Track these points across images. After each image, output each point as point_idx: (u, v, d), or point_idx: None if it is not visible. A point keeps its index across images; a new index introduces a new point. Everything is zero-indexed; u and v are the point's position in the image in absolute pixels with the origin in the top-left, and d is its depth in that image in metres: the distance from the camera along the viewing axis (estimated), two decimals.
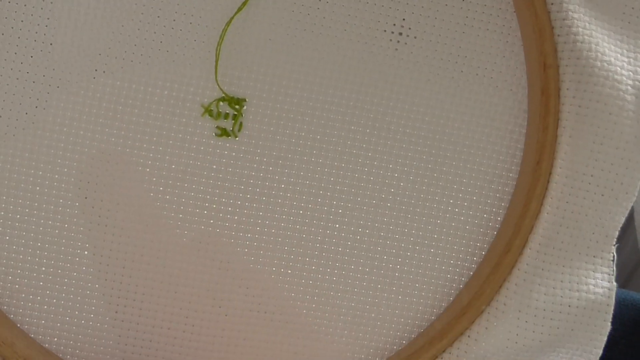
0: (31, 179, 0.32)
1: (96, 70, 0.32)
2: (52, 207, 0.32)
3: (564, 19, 0.32)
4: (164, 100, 0.32)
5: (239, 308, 0.34)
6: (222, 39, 0.32)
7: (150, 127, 0.32)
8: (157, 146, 0.32)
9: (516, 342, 0.32)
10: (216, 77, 0.32)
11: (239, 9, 0.32)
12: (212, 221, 0.33)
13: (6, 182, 0.32)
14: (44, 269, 0.33)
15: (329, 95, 0.33)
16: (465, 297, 0.33)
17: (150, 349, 0.34)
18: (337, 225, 0.34)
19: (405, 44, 0.33)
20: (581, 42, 0.32)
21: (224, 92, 0.32)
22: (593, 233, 0.33)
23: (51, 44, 0.31)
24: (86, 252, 0.33)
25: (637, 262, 0.73)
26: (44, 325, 0.33)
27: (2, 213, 0.32)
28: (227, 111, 0.33)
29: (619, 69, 0.32)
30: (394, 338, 0.35)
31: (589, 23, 0.32)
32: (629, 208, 0.33)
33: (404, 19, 0.33)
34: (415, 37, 0.33)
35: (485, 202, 0.34)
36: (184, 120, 0.32)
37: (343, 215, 0.34)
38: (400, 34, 0.33)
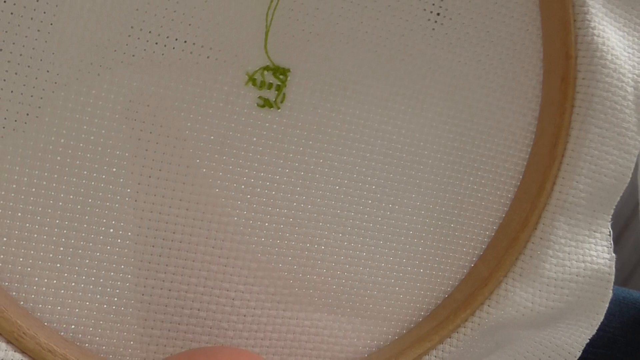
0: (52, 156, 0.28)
1: (132, 27, 0.28)
2: (73, 179, 0.29)
3: (585, 13, 0.35)
4: (206, 64, 0.30)
5: (265, 286, 0.33)
6: (276, 2, 0.30)
7: (189, 94, 0.30)
8: (196, 115, 0.30)
9: (531, 310, 0.35)
10: (265, 44, 0.30)
11: None
12: (248, 196, 0.31)
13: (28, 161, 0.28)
14: (62, 249, 0.29)
15: (371, 70, 0.33)
16: (485, 269, 0.36)
17: (178, 332, 0.31)
18: (369, 202, 0.34)
19: (442, 24, 0.34)
20: (597, 36, 0.35)
21: (270, 61, 0.30)
22: (594, 211, 0.36)
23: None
24: (111, 230, 0.30)
25: (637, 261, 0.78)
26: (59, 312, 0.29)
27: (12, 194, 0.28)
28: (271, 81, 0.31)
29: (623, 62, 0.36)
30: (417, 310, 0.36)
31: (602, 19, 0.35)
32: (624, 189, 0.37)
33: (440, 6, 0.34)
34: (450, 19, 0.34)
35: (500, 181, 0.37)
36: (225, 88, 0.30)
37: (375, 192, 0.34)
38: (438, 14, 0.34)
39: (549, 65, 0.36)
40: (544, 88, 0.36)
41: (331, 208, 0.33)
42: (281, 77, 0.31)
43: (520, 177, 0.37)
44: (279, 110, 0.31)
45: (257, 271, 0.32)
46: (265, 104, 0.31)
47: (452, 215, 0.36)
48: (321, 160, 0.33)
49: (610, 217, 0.37)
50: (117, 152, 0.29)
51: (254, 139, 0.31)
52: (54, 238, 0.29)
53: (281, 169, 0.32)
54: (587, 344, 0.55)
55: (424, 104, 0.34)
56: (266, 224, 0.32)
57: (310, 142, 0.32)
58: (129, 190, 0.30)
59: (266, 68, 0.31)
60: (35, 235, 0.29)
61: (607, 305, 0.36)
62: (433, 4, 0.33)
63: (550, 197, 0.35)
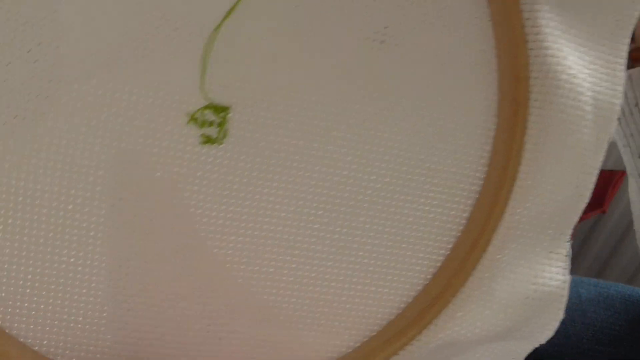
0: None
1: (78, 79, 0.31)
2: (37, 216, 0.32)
3: (537, 34, 0.34)
4: (149, 108, 0.32)
5: (224, 305, 0.35)
6: (210, 48, 0.31)
7: (133, 135, 0.32)
8: (142, 155, 0.32)
9: (477, 330, 0.36)
10: (202, 85, 0.32)
11: (225, 18, 0.31)
12: (197, 226, 0.34)
13: None
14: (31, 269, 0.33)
15: (312, 102, 0.34)
16: (434, 289, 0.37)
17: (139, 346, 0.35)
18: (316, 226, 0.35)
19: (387, 51, 0.34)
20: (551, 57, 0.34)
21: (208, 100, 0.32)
22: (550, 231, 0.36)
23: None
24: (72, 259, 0.33)
25: None
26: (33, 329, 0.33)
27: None
28: (212, 119, 0.33)
29: (581, 81, 0.35)
30: (369, 325, 0.37)
31: (559, 37, 0.34)
32: (583, 208, 0.36)
33: (386, 27, 0.34)
34: (396, 45, 0.34)
35: (453, 201, 0.37)
36: (168, 128, 0.32)
37: (322, 217, 0.35)
38: (382, 42, 0.34)
39: (502, 86, 0.35)
40: (499, 109, 0.36)
41: (279, 233, 0.35)
42: (221, 114, 0.33)
43: (477, 197, 0.37)
44: (223, 146, 0.33)
45: (212, 292, 0.35)
46: (208, 140, 0.33)
47: (402, 236, 0.37)
48: (266, 190, 0.34)
49: (569, 237, 0.37)
50: (73, 192, 0.32)
51: (199, 173, 0.33)
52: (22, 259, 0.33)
53: (227, 199, 0.34)
54: (593, 342, 0.55)
55: (369, 131, 0.35)
56: (218, 250, 0.35)
57: (255, 174, 0.34)
58: (90, 224, 0.33)
59: (206, 107, 0.32)
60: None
61: (557, 324, 0.37)
62: (376, 32, 0.34)
63: (502, 219, 0.36)
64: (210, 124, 0.33)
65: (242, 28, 0.32)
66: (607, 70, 0.35)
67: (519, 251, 0.36)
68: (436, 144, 0.36)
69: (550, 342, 0.55)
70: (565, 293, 0.36)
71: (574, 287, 0.56)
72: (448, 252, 0.37)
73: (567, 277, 0.37)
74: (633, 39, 0.41)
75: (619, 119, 0.42)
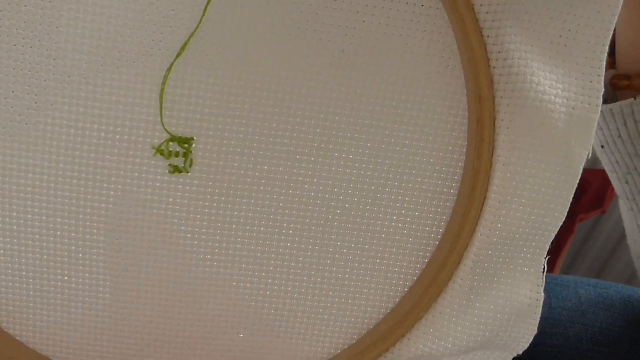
0: None
1: (48, 117, 0.33)
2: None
3: (499, 52, 0.32)
4: (118, 144, 0.34)
5: (206, 315, 0.38)
6: (164, 85, 0.33)
7: (107, 168, 0.35)
8: (116, 185, 0.35)
9: (449, 345, 0.36)
10: (161, 120, 0.34)
11: (178, 54, 0.32)
12: (173, 247, 0.36)
13: None
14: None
15: (272, 128, 0.34)
16: (407, 304, 0.37)
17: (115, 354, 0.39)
18: (288, 244, 0.37)
19: (346, 73, 0.34)
20: (516, 74, 0.32)
21: (170, 134, 0.34)
22: (524, 249, 0.35)
23: None
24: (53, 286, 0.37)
25: None
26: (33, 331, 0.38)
27: None
28: (177, 149, 0.34)
29: (552, 97, 0.33)
30: (344, 336, 0.39)
31: (524, 52, 0.32)
32: (559, 226, 0.35)
33: (342, 50, 0.33)
34: (355, 66, 0.34)
35: (427, 217, 0.37)
36: (137, 160, 0.35)
37: (293, 236, 0.37)
38: (339, 65, 0.34)
39: (470, 106, 0.34)
40: (468, 128, 0.35)
41: (252, 252, 0.37)
42: (185, 145, 0.34)
43: (450, 213, 0.37)
44: (190, 174, 0.35)
45: (190, 308, 0.38)
46: (175, 170, 0.35)
47: (376, 252, 0.37)
48: (236, 212, 0.36)
49: (545, 253, 0.36)
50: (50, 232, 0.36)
51: (170, 199, 0.35)
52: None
53: (199, 222, 0.36)
54: (592, 343, 0.54)
55: (334, 153, 0.35)
56: (196, 268, 0.37)
57: (223, 198, 0.36)
58: (65, 254, 0.36)
59: (170, 139, 0.34)
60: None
61: (531, 339, 0.36)
62: (333, 56, 0.33)
63: (472, 238, 0.35)
64: (176, 154, 0.35)
65: (197, 62, 0.33)
66: (582, 83, 0.33)
67: (491, 269, 0.35)
68: (405, 162, 0.36)
69: (549, 343, 0.55)
70: (539, 310, 0.36)
71: (573, 288, 0.59)
72: (424, 267, 0.38)
73: (541, 295, 0.36)
74: (614, 65, 0.41)
75: (602, 147, 0.42)
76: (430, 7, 0.33)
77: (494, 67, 0.32)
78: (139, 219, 0.36)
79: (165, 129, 0.34)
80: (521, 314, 0.36)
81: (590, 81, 0.33)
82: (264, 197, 0.36)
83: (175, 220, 0.36)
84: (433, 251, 0.37)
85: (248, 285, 0.38)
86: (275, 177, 0.35)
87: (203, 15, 0.32)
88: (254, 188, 0.36)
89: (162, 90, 0.33)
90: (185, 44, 0.33)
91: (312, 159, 0.35)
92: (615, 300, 0.56)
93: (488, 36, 0.32)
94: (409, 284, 0.38)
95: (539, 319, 0.36)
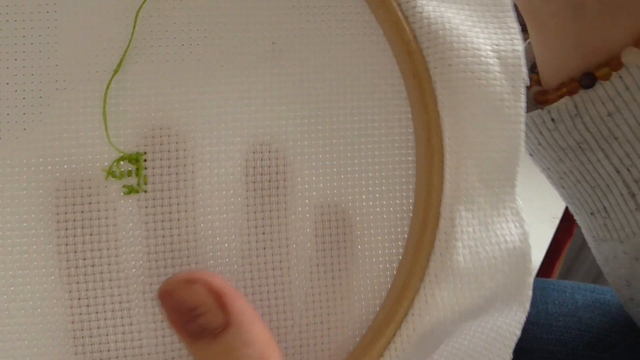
0: None
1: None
2: None
3: (414, 7, 0.35)
4: (66, 172, 0.33)
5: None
6: (105, 103, 0.33)
7: (59, 204, 0.33)
8: (73, 215, 0.33)
9: (457, 305, 0.34)
10: (108, 138, 0.33)
11: (113, 75, 0.33)
12: (141, 277, 0.33)
13: None
14: None
15: (219, 137, 0.34)
16: (400, 281, 0.35)
17: None
18: (265, 250, 0.35)
19: (282, 63, 0.35)
20: (434, 24, 0.35)
21: (119, 151, 0.33)
22: (495, 189, 0.36)
23: None
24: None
25: None
26: None
27: None
28: (130, 168, 0.33)
29: (475, 38, 0.35)
30: (345, 337, 0.36)
31: (437, 5, 0.35)
32: (520, 157, 0.36)
33: (273, 43, 0.35)
34: (289, 55, 0.35)
35: (395, 189, 0.37)
36: (90, 188, 0.33)
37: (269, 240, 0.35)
38: (274, 55, 0.35)
39: (402, 67, 0.36)
40: (406, 89, 0.36)
41: (225, 266, 0.34)
42: (136, 162, 0.33)
43: (415, 180, 0.37)
44: (146, 193, 0.34)
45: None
46: (131, 190, 0.33)
47: (358, 238, 0.36)
48: (202, 225, 0.34)
49: (515, 189, 0.36)
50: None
51: (130, 225, 0.33)
52: None
53: (164, 242, 0.34)
54: (588, 348, 0.54)
55: (290, 142, 0.35)
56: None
57: (185, 212, 0.34)
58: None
59: (120, 159, 0.33)
60: None
61: (531, 279, 0.35)
62: (266, 50, 0.35)
63: (442, 190, 0.35)
64: (129, 173, 0.33)
65: (136, 74, 0.33)
66: (500, 24, 0.36)
67: (470, 217, 0.35)
68: (360, 130, 0.36)
69: (544, 349, 0.55)
70: (528, 245, 0.35)
71: (570, 293, 0.59)
72: (405, 243, 0.36)
73: (526, 230, 0.35)
74: (539, 82, 0.47)
75: (531, 155, 0.47)
76: None
77: (413, 23, 0.35)
78: (98, 247, 0.33)
79: (112, 145, 0.33)
80: (513, 253, 0.35)
81: (506, 23, 0.36)
82: (227, 205, 0.35)
83: (138, 247, 0.33)
84: (409, 224, 0.37)
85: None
86: (228, 186, 0.35)
87: (133, 31, 0.33)
88: (215, 194, 0.34)
89: (104, 108, 0.33)
90: (121, 60, 0.33)
91: (264, 175, 0.35)
92: (612, 306, 0.57)
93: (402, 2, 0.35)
94: (396, 264, 0.36)
95: (530, 254, 0.35)
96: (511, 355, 0.36)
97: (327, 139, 0.36)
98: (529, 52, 0.48)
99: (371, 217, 0.36)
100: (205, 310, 0.29)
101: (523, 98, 0.36)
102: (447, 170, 0.35)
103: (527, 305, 0.35)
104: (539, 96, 0.46)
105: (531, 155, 0.49)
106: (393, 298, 0.35)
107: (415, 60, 0.35)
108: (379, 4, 0.35)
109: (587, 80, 0.41)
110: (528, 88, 0.45)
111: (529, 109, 0.47)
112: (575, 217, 0.50)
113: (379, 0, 0.35)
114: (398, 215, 0.37)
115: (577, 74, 0.43)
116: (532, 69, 0.49)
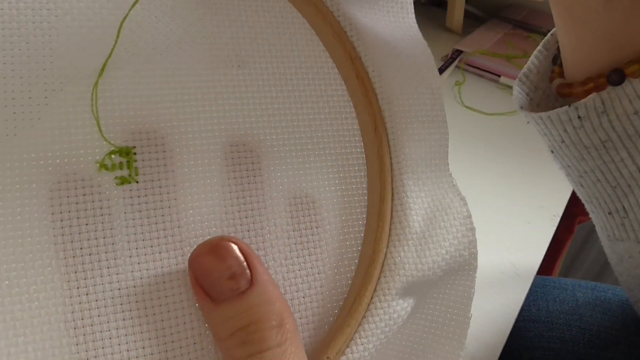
0: None
1: None
2: None
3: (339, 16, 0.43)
4: (59, 168, 0.34)
5: (178, 325, 0.35)
6: (95, 100, 0.35)
7: (53, 197, 0.33)
8: (67, 204, 0.33)
9: (420, 265, 0.40)
10: (101, 133, 0.35)
11: (100, 74, 0.36)
12: (137, 264, 0.35)
13: None
14: None
15: (199, 132, 0.38)
16: (369, 249, 0.40)
17: None
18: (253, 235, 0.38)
19: (246, 71, 0.40)
20: (357, 20, 0.43)
21: (111, 144, 0.35)
22: (433, 166, 0.43)
23: None
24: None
25: None
26: None
27: None
28: (121, 161, 0.35)
29: (391, 39, 0.44)
30: (327, 307, 0.39)
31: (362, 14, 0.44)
32: (447, 138, 0.44)
33: (237, 55, 0.40)
34: (252, 64, 0.41)
35: (351, 176, 0.42)
36: (83, 180, 0.34)
37: (249, 221, 0.38)
38: (240, 64, 0.40)
39: (342, 71, 0.43)
40: (347, 89, 0.43)
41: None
42: (127, 155, 0.35)
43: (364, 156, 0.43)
44: (138, 183, 0.36)
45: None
46: (123, 181, 0.35)
47: (327, 222, 0.41)
48: (191, 211, 0.37)
49: (448, 166, 0.43)
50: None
51: (124, 213, 0.35)
52: None
53: (157, 222, 0.36)
54: (589, 346, 0.56)
55: (263, 141, 0.40)
56: (162, 278, 0.35)
57: (175, 200, 0.36)
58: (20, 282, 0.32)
59: (112, 152, 0.35)
60: None
61: (475, 236, 0.41)
62: (231, 60, 0.40)
63: (392, 169, 0.41)
64: (121, 165, 0.35)
65: (122, 72, 0.36)
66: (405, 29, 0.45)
67: (418, 190, 0.41)
68: (319, 128, 0.42)
69: (545, 346, 0.57)
70: (468, 209, 0.42)
71: (571, 291, 0.61)
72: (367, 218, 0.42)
73: (463, 196, 0.42)
74: (562, 75, 0.45)
75: (552, 152, 0.47)
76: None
77: (351, 36, 0.43)
78: (94, 237, 0.34)
79: (105, 139, 0.35)
80: (457, 211, 0.42)
81: (408, 20, 0.45)
82: (212, 190, 0.38)
83: (133, 229, 0.35)
84: (366, 195, 0.42)
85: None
86: (212, 175, 0.38)
87: (118, 36, 0.37)
88: (208, 182, 0.37)
89: (93, 105, 0.35)
90: (104, 65, 0.36)
91: (244, 171, 0.39)
92: (613, 304, 0.59)
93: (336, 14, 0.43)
94: (361, 238, 0.41)
95: (471, 215, 0.42)
96: (470, 312, 0.42)
97: (291, 134, 0.41)
98: (552, 43, 0.47)
99: (335, 200, 0.41)
100: (239, 269, 0.31)
101: (436, 69, 0.44)
102: (394, 151, 0.42)
103: (476, 263, 0.42)
104: (563, 89, 0.44)
105: (552, 152, 0.47)
106: (366, 264, 0.40)
107: (357, 64, 0.42)
108: (321, 19, 0.42)
109: (616, 77, 0.39)
110: (550, 80, 0.45)
111: (551, 103, 0.47)
112: (591, 215, 0.49)
113: (321, 19, 0.42)
114: (357, 198, 0.42)
115: (604, 69, 0.40)
116: (555, 60, 0.47)
